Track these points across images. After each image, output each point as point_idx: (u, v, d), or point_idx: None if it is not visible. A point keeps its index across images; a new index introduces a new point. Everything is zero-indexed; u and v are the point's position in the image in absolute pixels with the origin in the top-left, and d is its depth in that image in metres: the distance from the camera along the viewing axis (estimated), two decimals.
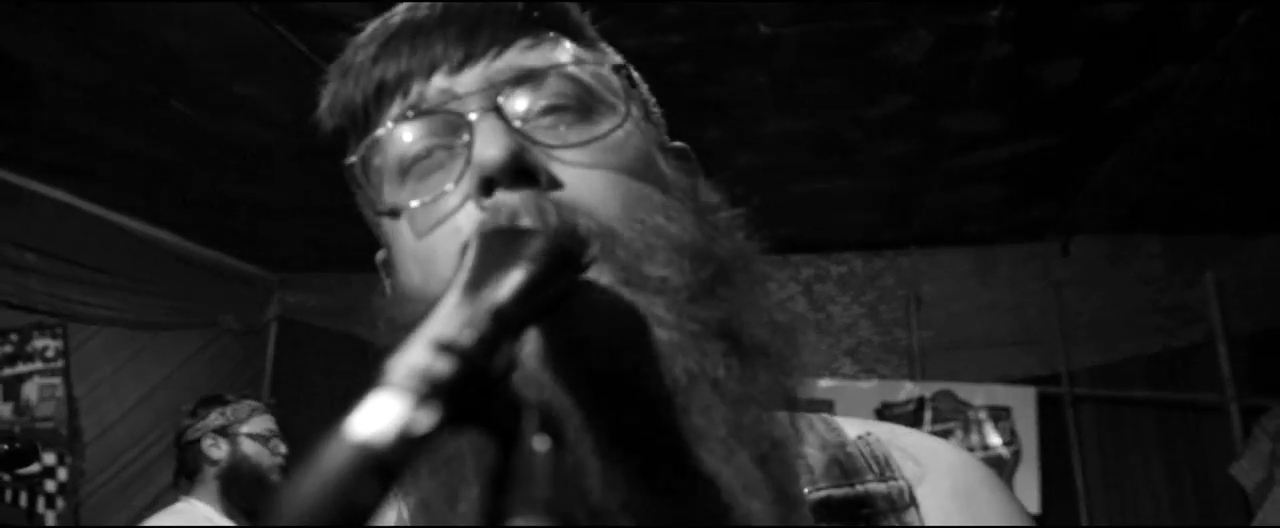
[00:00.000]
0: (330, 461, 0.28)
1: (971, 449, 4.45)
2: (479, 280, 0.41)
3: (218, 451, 2.96)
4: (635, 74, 0.68)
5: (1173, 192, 4.15)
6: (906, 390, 4.60)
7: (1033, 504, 4.32)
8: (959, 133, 3.64)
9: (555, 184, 0.55)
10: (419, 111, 0.59)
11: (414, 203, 0.58)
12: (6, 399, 4.24)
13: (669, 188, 0.61)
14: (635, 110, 0.62)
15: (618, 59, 0.68)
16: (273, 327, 5.41)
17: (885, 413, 4.56)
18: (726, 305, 0.55)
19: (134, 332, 4.63)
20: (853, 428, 0.68)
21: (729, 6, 2.76)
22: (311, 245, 5.04)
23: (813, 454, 0.63)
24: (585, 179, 0.56)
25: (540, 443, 0.34)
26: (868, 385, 4.66)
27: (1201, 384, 4.40)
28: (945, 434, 4.49)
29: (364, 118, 0.64)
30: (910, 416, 4.54)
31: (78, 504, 4.27)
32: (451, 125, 0.58)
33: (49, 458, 4.20)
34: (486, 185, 0.54)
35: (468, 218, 0.56)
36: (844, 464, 0.63)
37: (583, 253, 0.50)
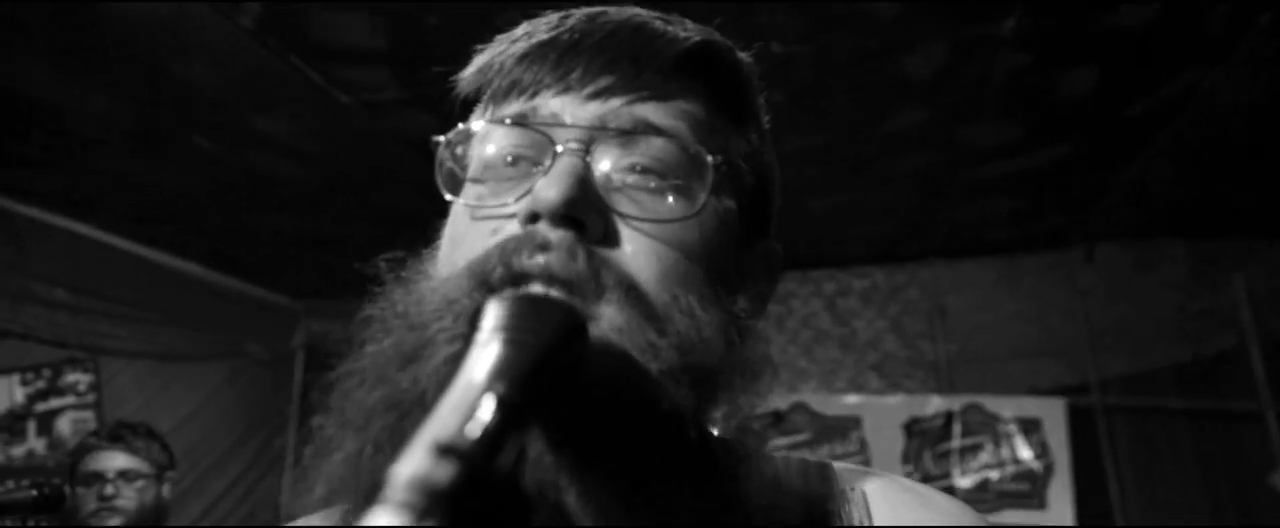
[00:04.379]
0: None
1: (1002, 463, 4.39)
2: (485, 365, 0.41)
3: None
4: (768, 158, 0.71)
5: (1195, 196, 4.09)
6: (934, 405, 4.55)
7: (1067, 518, 4.25)
8: (978, 144, 3.61)
9: (609, 238, 0.58)
10: (520, 123, 0.62)
11: (476, 199, 0.63)
12: (40, 434, 4.30)
13: (717, 283, 0.62)
14: (715, 205, 0.63)
15: (744, 142, 0.69)
16: (299, 354, 5.44)
17: (913, 428, 4.51)
18: (698, 403, 0.55)
19: (164, 364, 4.68)
20: (849, 481, 0.67)
21: (741, 25, 2.75)
22: (335, 273, 5.07)
23: (792, 509, 0.62)
24: (637, 244, 0.59)
25: None
26: (895, 401, 4.61)
27: (1235, 391, 4.31)
28: (975, 448, 4.44)
29: (487, 102, 0.67)
30: (939, 430, 4.48)
31: None
32: (542, 147, 0.61)
33: None
34: (534, 216, 0.57)
35: (509, 228, 0.59)
36: (817, 524, 0.62)
37: (589, 311, 0.52)
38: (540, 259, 0.54)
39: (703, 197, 0.61)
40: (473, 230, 0.61)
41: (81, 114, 3.29)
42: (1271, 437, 4.16)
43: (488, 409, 0.36)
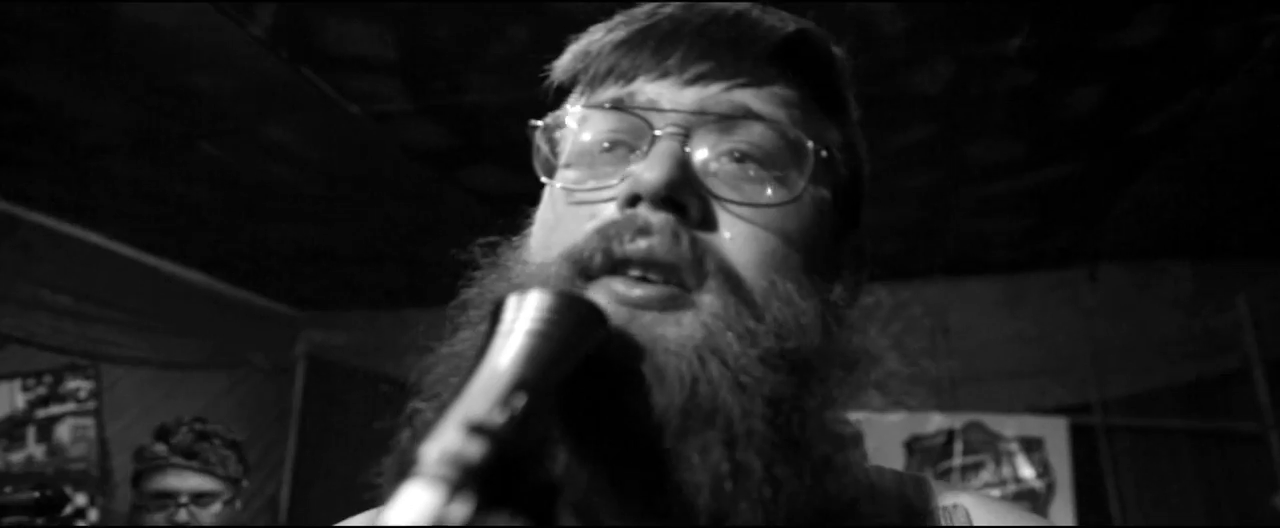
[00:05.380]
0: None
1: (1004, 482, 4.37)
2: (511, 352, 0.41)
3: None
4: (860, 151, 0.72)
5: (1200, 216, 4.09)
6: (935, 422, 4.54)
7: None
8: (983, 162, 3.62)
9: (708, 223, 0.58)
10: (618, 107, 0.62)
11: (573, 183, 0.62)
12: (40, 441, 4.29)
13: (813, 271, 0.61)
14: (813, 192, 0.63)
15: (838, 133, 0.69)
16: (300, 365, 5.44)
17: (914, 446, 4.50)
18: (796, 390, 0.55)
19: (165, 372, 4.68)
20: (946, 497, 0.66)
21: None
22: (338, 284, 5.08)
23: (891, 520, 0.61)
24: (736, 229, 0.58)
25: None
26: (896, 418, 4.58)
27: (1238, 412, 4.30)
28: (976, 467, 4.42)
29: (583, 88, 0.67)
30: (940, 448, 4.47)
31: None
32: (640, 132, 0.60)
33: (80, 499, 4.23)
34: (634, 199, 0.57)
35: (608, 212, 0.59)
36: None
37: (690, 286, 0.54)
38: (641, 244, 0.54)
39: (802, 184, 0.61)
40: (569, 215, 0.61)
41: (89, 120, 3.30)
42: (1274, 458, 4.14)
43: (515, 393, 0.37)
